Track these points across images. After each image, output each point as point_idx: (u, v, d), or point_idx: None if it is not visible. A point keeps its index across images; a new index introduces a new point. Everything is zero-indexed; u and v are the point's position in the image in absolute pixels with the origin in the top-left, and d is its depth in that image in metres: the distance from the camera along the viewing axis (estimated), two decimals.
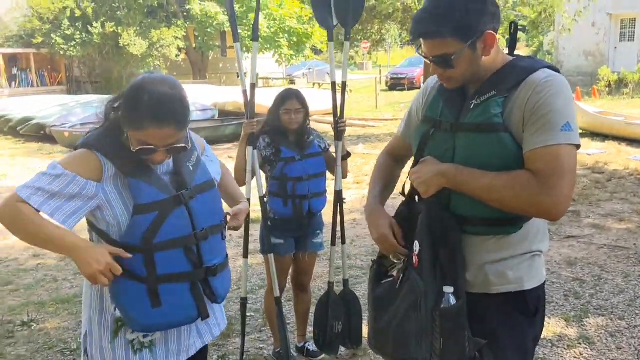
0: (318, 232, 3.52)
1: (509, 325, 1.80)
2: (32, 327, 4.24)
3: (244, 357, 3.53)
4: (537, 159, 1.64)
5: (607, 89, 19.27)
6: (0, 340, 4.05)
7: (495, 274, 1.79)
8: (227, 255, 2.02)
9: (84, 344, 1.93)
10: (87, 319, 1.93)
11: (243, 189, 3.25)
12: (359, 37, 20.17)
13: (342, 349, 3.60)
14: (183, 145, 1.79)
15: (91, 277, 1.70)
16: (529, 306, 1.83)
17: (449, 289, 1.73)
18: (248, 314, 3.99)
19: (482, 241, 1.80)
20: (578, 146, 1.67)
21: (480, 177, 1.69)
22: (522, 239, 1.80)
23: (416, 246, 1.80)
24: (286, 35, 24.73)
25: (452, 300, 1.72)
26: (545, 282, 1.90)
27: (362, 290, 4.55)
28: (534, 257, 1.83)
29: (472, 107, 1.76)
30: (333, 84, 3.40)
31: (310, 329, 3.71)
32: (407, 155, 2.16)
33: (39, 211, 1.72)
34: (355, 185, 8.68)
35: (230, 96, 15.93)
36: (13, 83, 24.48)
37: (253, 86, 3.22)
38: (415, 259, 1.79)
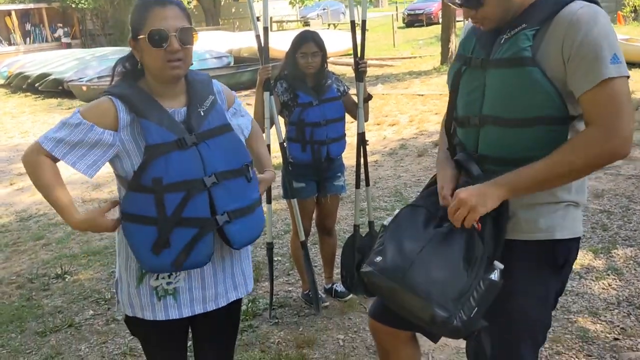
0: (339, 174, 3.51)
1: (533, 275, 1.74)
2: (66, 279, 4.36)
3: (274, 300, 3.60)
4: (593, 102, 1.56)
5: (633, 14, 18.61)
6: (37, 293, 4.17)
7: (525, 220, 1.73)
8: (254, 199, 1.96)
9: (115, 290, 1.99)
10: (117, 265, 1.98)
11: (263, 136, 3.25)
12: None
13: None
14: (190, 26, 1.81)
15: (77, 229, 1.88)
16: (556, 258, 1.75)
17: (499, 265, 1.66)
18: (275, 259, 4.04)
19: None
20: (627, 77, 1.57)
21: (537, 166, 1.60)
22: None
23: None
24: None
25: (498, 277, 1.65)
26: (580, 237, 1.80)
27: None
28: (569, 207, 1.75)
29: (502, 41, 1.68)
30: (352, 23, 3.31)
31: (337, 271, 3.75)
32: None
33: (57, 158, 1.81)
34: (375, 127, 8.61)
35: (245, 42, 15.75)
36: (27, 39, 24.42)
37: (266, 30, 3.14)
38: (478, 224, 1.68)
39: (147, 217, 1.78)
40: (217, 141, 1.86)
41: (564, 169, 1.60)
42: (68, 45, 21.63)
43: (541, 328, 1.82)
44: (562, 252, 1.75)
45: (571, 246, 1.78)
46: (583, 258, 3.91)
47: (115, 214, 1.89)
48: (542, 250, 1.73)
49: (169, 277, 1.89)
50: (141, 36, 1.76)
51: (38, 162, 1.81)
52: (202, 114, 1.87)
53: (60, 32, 24.35)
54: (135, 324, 1.99)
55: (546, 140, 1.63)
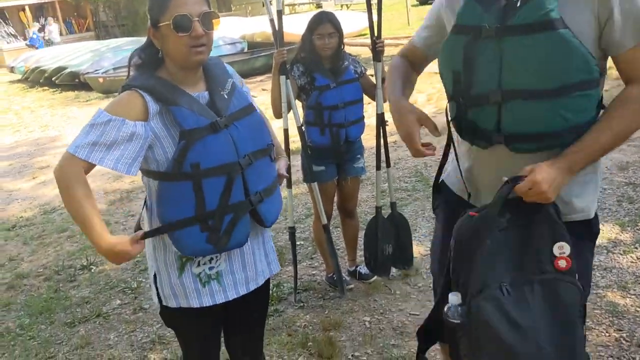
0: (358, 156, 3.48)
1: (577, 253, 1.61)
2: (92, 270, 4.40)
3: (298, 284, 3.60)
4: (635, 59, 1.51)
5: None
6: (64, 284, 4.22)
7: (559, 202, 1.61)
8: (275, 177, 2.01)
9: (155, 284, 1.97)
10: (152, 259, 1.96)
11: (281, 121, 3.23)
12: None
13: (393, 270, 3.64)
14: (213, 10, 1.80)
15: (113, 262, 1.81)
16: (593, 232, 1.71)
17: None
18: (297, 243, 4.04)
19: (544, 156, 1.59)
20: None
21: (602, 139, 1.52)
22: None
23: (560, 247, 1.57)
24: None
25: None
26: None
27: (408, 212, 4.55)
28: (593, 179, 1.69)
29: (518, 5, 1.53)
30: (368, 2, 3.26)
31: (360, 253, 3.74)
32: (424, 64, 1.99)
33: (94, 165, 1.72)
34: None
35: (258, 27, 15.68)
36: (42, 33, 24.55)
37: (280, 13, 3.11)
38: (566, 262, 1.56)
39: (185, 219, 1.78)
40: (245, 122, 1.88)
41: (627, 135, 1.54)
42: (48, 43, 21.04)
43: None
44: (595, 224, 1.73)
45: (597, 215, 1.76)
46: (610, 232, 3.86)
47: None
48: (580, 229, 1.67)
49: (210, 261, 1.90)
50: (163, 23, 1.74)
51: (72, 177, 1.70)
52: (226, 96, 1.88)
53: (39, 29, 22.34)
54: (177, 315, 1.98)
55: (582, 107, 1.53)
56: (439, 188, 2.00)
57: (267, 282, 2.14)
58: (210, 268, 1.91)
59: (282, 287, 3.74)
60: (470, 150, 1.81)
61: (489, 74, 1.59)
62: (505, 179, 1.59)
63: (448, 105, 1.79)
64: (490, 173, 1.74)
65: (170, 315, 2.01)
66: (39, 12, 24.83)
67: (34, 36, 21.37)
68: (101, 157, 1.70)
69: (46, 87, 15.50)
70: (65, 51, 16.86)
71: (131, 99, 1.77)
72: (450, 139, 1.85)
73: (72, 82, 14.46)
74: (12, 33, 23.78)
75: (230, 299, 1.95)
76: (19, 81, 17.60)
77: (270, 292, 3.59)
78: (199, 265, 1.90)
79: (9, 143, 9.76)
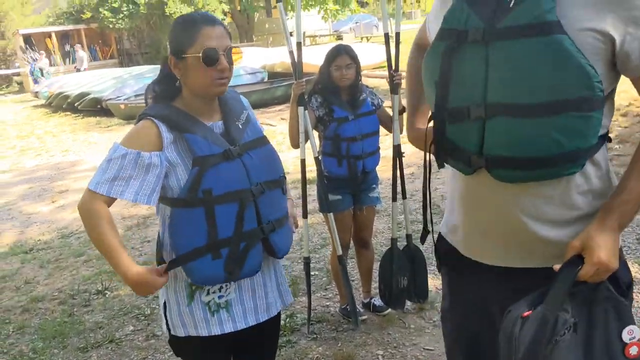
0: (374, 186, 3.48)
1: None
2: (107, 295, 4.41)
3: (312, 314, 3.58)
4: None
5: None
6: (78, 309, 4.23)
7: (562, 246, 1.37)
8: (287, 210, 2.03)
9: (164, 312, 1.97)
10: (163, 287, 1.96)
11: (298, 151, 3.25)
12: None
13: (408, 303, 3.60)
14: (236, 45, 1.85)
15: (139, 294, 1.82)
16: (620, 285, 1.41)
17: None
18: (312, 273, 4.02)
19: (534, 191, 1.36)
20: None
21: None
22: (589, 189, 1.38)
23: (630, 331, 1.33)
24: None
25: None
26: None
27: (425, 245, 4.50)
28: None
29: (511, 4, 1.30)
30: (386, 35, 3.29)
31: (375, 285, 3.71)
32: None
33: (114, 198, 1.77)
34: None
35: (278, 57, 15.86)
36: (67, 60, 25.10)
37: (299, 45, 3.15)
38: (637, 348, 1.34)
39: (197, 249, 1.79)
40: (258, 152, 1.91)
41: None
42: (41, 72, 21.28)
43: None
44: (624, 275, 1.47)
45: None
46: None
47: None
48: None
49: (220, 290, 1.90)
50: (190, 55, 1.78)
51: (95, 213, 1.75)
52: (241, 127, 1.91)
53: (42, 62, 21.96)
54: (185, 344, 1.97)
55: (578, 130, 1.27)
56: (439, 242, 1.74)
57: (279, 312, 2.13)
58: (220, 297, 1.91)
59: (295, 317, 3.71)
60: (455, 180, 1.56)
61: (473, 83, 1.36)
62: (557, 267, 1.34)
63: (428, 126, 1.57)
64: (477, 211, 1.50)
65: (179, 344, 2.00)
66: (64, 39, 25.41)
67: (31, 67, 21.83)
68: (121, 190, 1.75)
69: (69, 112, 15.77)
70: (88, 77, 17.20)
71: (145, 130, 1.81)
72: (425, 185, 1.71)
73: (95, 107, 14.71)
74: (38, 59, 24.31)
75: (239, 328, 1.94)
76: (42, 106, 17.93)
77: (283, 322, 3.58)
78: (208, 293, 1.90)
79: (30, 166, 9.90)
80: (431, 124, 1.53)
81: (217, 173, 1.78)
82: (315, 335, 3.50)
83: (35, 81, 21.05)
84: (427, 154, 1.62)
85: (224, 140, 1.85)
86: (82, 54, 21.73)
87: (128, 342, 3.67)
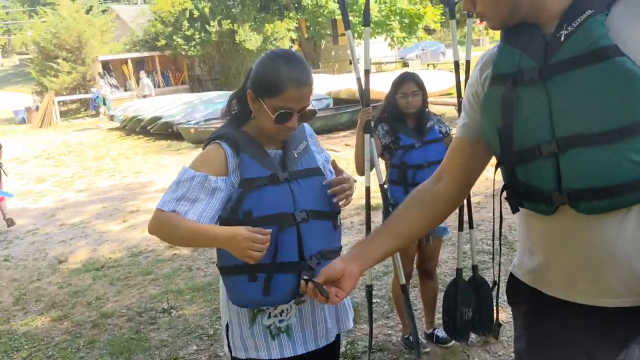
0: None
1: None
2: (172, 314, 4.51)
3: (373, 343, 3.54)
4: None
5: None
6: (145, 326, 4.35)
7: None
8: (338, 247, 2.00)
9: (226, 333, 2.01)
10: (226, 309, 2.01)
11: (363, 178, 3.25)
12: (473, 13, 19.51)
13: (472, 336, 3.51)
14: (314, 109, 1.89)
15: (243, 258, 1.74)
16: None
17: None
18: (374, 301, 3.98)
19: (623, 219, 1.29)
20: None
21: None
22: None
23: None
24: (398, 17, 24.41)
25: None
26: None
27: (490, 276, 4.40)
28: None
29: (562, 39, 1.29)
30: (456, 63, 3.28)
31: (438, 315, 3.65)
32: (481, 156, 1.63)
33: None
34: None
35: (344, 84, 16.03)
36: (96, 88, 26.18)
37: (367, 72, 3.17)
38: None
39: (238, 266, 1.82)
40: (309, 181, 1.92)
41: None
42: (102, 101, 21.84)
43: None
44: None
45: None
46: None
47: None
48: None
49: (281, 314, 1.92)
50: (266, 104, 1.82)
51: (164, 221, 1.79)
52: (296, 155, 1.94)
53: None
54: None
55: None
56: (511, 282, 1.65)
57: (338, 338, 2.12)
58: (281, 321, 1.92)
59: (356, 345, 3.68)
60: (531, 222, 1.50)
61: (538, 121, 1.34)
62: None
63: (498, 170, 1.53)
64: (563, 249, 1.42)
65: None
66: (139, 65, 26.52)
67: (94, 96, 22.65)
68: (186, 210, 1.78)
69: (141, 136, 16.37)
70: (161, 102, 17.86)
71: (213, 155, 1.86)
72: (500, 217, 1.63)
73: (166, 131, 15.21)
74: (114, 84, 25.46)
75: (299, 353, 1.94)
76: (117, 129, 18.70)
77: (344, 349, 3.56)
78: (269, 317, 1.92)
79: (104, 187, 10.31)
80: (498, 170, 1.52)
81: (259, 195, 1.81)
82: None
83: (94, 108, 21.93)
84: (498, 203, 1.58)
85: (276, 165, 1.89)
86: (146, 80, 22.51)
87: None
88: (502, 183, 1.52)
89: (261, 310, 1.92)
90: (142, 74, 22.93)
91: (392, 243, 1.64)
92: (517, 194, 1.45)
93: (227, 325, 2.01)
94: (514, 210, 1.48)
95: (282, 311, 1.92)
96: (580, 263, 1.38)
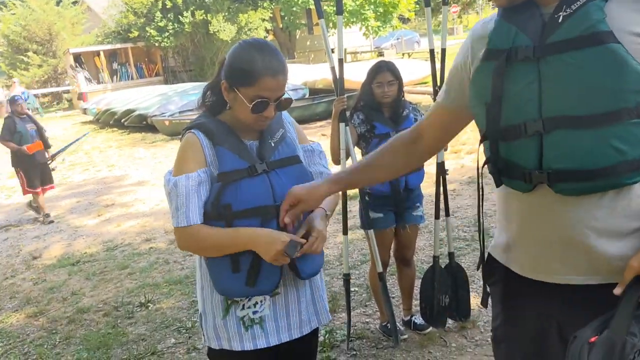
0: (417, 204, 3.45)
1: None
2: (149, 308, 4.48)
3: (351, 331, 3.56)
4: None
5: None
6: (122, 320, 4.31)
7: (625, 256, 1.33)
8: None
9: (201, 324, 2.02)
10: (200, 299, 2.01)
11: (338, 167, 3.25)
12: (448, 0, 19.63)
13: (449, 321, 3.54)
14: (290, 97, 1.88)
15: (273, 261, 1.77)
16: None
17: None
18: (352, 289, 4.00)
19: (597, 203, 1.34)
20: None
21: None
22: None
23: None
24: (372, 6, 24.39)
25: None
26: None
27: (467, 263, 4.45)
28: None
29: (560, 20, 1.31)
30: (431, 51, 3.28)
31: (416, 302, 3.67)
32: (459, 123, 1.69)
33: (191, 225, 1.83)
34: (452, 155, 8.48)
35: (320, 74, 15.98)
36: (114, 77, 25.81)
37: (341, 62, 3.17)
38: None
39: (224, 256, 1.83)
40: (287, 171, 1.91)
41: None
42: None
43: None
44: None
45: None
46: None
47: None
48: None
49: (255, 306, 1.91)
50: (242, 94, 1.81)
51: (188, 237, 1.83)
52: (273, 144, 1.93)
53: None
54: (220, 357, 2.00)
55: (638, 137, 1.27)
56: (488, 263, 1.70)
57: (316, 330, 2.11)
58: (254, 312, 1.92)
59: (335, 334, 3.70)
60: (509, 199, 1.53)
61: (527, 100, 1.37)
62: (617, 291, 1.31)
63: (480, 146, 1.55)
64: (537, 227, 1.46)
65: (215, 356, 2.03)
66: (112, 57, 26.14)
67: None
68: (186, 217, 1.81)
69: (115, 129, 16.18)
70: (134, 94, 17.64)
71: (190, 151, 1.86)
72: (479, 210, 1.65)
73: (140, 124, 15.05)
74: (87, 77, 25.07)
75: (272, 344, 1.94)
76: (90, 122, 18.45)
77: (323, 338, 3.57)
78: (243, 308, 1.91)
79: (78, 181, 10.18)
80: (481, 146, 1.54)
81: (237, 189, 1.81)
82: (354, 352, 3.47)
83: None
84: (479, 177, 1.60)
85: (254, 156, 1.87)
86: (81, 75, 21.73)
87: (170, 355, 3.71)
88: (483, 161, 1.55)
89: (235, 302, 1.91)
90: (76, 70, 22.08)
91: (362, 179, 1.90)
92: (497, 169, 1.48)
93: (200, 315, 2.02)
94: (498, 184, 1.51)
95: (256, 302, 1.91)
96: (552, 241, 1.42)
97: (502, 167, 1.46)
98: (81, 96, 21.84)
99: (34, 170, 7.55)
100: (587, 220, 1.35)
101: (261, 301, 1.92)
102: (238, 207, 1.80)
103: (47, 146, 7.81)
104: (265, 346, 1.93)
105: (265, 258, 1.77)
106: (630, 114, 1.25)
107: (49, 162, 7.87)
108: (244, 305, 1.91)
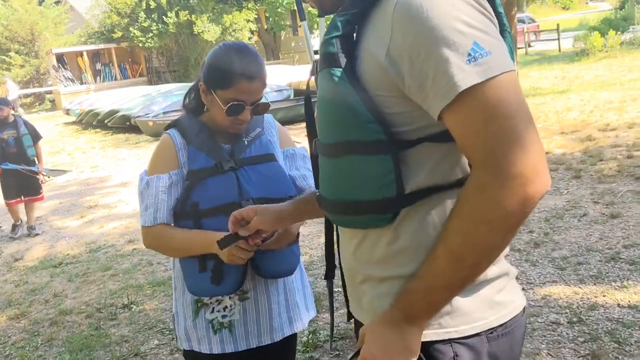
0: None
1: None
2: (132, 309, 4.47)
3: (335, 331, 3.57)
4: (455, 130, 1.01)
5: None
6: (105, 322, 4.29)
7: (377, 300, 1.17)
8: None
9: (173, 323, 2.04)
10: (174, 299, 2.03)
11: None
12: None
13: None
14: (267, 102, 1.88)
15: (230, 261, 1.75)
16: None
17: None
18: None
19: (361, 242, 1.20)
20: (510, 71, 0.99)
21: (431, 259, 1.05)
22: (400, 247, 1.13)
23: None
24: None
25: None
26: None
27: None
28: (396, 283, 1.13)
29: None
30: None
31: None
32: None
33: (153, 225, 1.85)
34: None
35: (304, 75, 15.98)
36: (98, 78, 25.63)
37: None
38: None
39: (192, 255, 1.85)
40: (258, 168, 1.89)
41: (474, 252, 1.02)
42: None
43: None
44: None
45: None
46: None
47: None
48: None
49: (224, 310, 1.91)
50: (218, 97, 1.81)
51: (155, 235, 1.86)
52: (246, 143, 1.92)
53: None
54: (192, 358, 2.01)
55: (365, 175, 1.10)
56: None
57: (294, 337, 2.09)
58: (224, 316, 1.92)
59: (318, 334, 3.71)
60: None
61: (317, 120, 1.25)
62: (349, 357, 1.20)
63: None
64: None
65: (187, 357, 2.05)
66: (95, 57, 25.97)
67: None
68: (154, 217, 1.83)
69: (99, 129, 16.07)
70: (118, 95, 17.53)
71: (164, 152, 1.89)
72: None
73: (124, 124, 14.96)
74: (70, 77, 24.88)
75: (240, 349, 1.93)
76: (73, 123, 18.31)
77: (306, 339, 3.58)
78: (213, 311, 1.91)
79: (60, 182, 10.10)
80: None
81: (204, 186, 1.82)
82: (338, 352, 3.49)
83: None
84: None
85: (224, 154, 1.87)
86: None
87: (153, 356, 3.70)
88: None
89: (204, 304, 1.91)
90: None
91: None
92: None
93: (173, 315, 2.04)
94: None
95: (226, 307, 1.91)
96: (345, 273, 1.31)
97: None
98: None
99: (9, 179, 6.86)
100: (356, 257, 1.22)
101: (231, 305, 1.91)
102: (205, 205, 1.81)
103: (29, 158, 6.94)
104: (233, 351, 1.92)
105: (223, 258, 1.75)
106: (353, 149, 1.11)
107: (38, 175, 7.04)
108: (213, 308, 1.92)
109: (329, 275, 1.57)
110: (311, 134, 1.41)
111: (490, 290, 1.14)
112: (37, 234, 7.03)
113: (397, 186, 1.08)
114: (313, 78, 1.47)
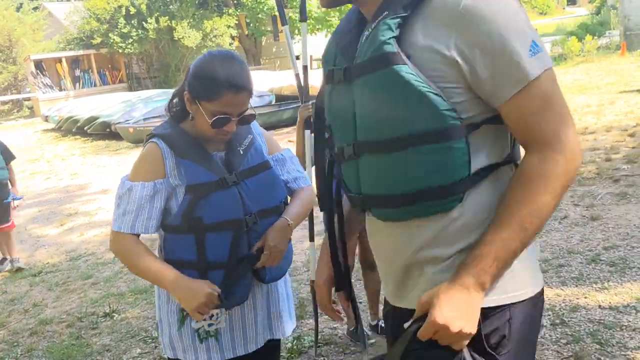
0: None
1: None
2: (114, 318, 4.41)
3: (319, 337, 3.56)
4: (520, 114, 1.17)
5: None
6: (86, 331, 4.23)
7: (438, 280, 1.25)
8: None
9: (157, 331, 2.03)
10: (157, 307, 2.01)
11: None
12: None
13: None
14: (253, 113, 1.86)
15: (192, 313, 1.78)
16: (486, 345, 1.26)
17: None
18: None
19: (418, 229, 1.27)
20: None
21: (496, 229, 1.18)
22: (464, 223, 1.24)
23: None
24: (337, 13, 24.49)
25: None
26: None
27: None
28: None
29: (364, 39, 1.25)
30: None
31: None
32: None
33: (132, 233, 1.84)
34: None
35: (286, 80, 15.99)
36: (77, 84, 25.39)
37: (305, 68, 3.18)
38: None
39: (187, 262, 1.83)
40: (256, 180, 1.90)
41: (539, 220, 1.18)
42: None
43: None
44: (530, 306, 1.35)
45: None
46: (638, 291, 3.77)
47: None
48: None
49: (210, 318, 1.90)
50: (203, 108, 1.78)
51: (125, 245, 1.84)
52: (242, 152, 1.91)
53: None
54: None
55: (438, 164, 1.20)
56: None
57: (276, 344, 2.11)
58: (210, 325, 1.91)
59: (302, 340, 3.70)
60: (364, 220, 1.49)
61: (345, 123, 1.32)
62: (406, 325, 1.25)
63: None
64: (376, 252, 1.43)
65: None
66: (74, 64, 25.72)
67: None
68: (131, 224, 1.81)
69: (78, 136, 15.91)
70: (98, 102, 17.39)
71: (150, 159, 1.85)
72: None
73: (104, 131, 14.85)
74: (48, 84, 24.61)
75: (227, 358, 1.93)
76: (52, 130, 18.11)
77: (291, 344, 3.56)
78: (198, 320, 1.90)
79: (40, 190, 9.97)
80: None
81: (209, 202, 1.80)
82: (322, 358, 3.48)
83: None
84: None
85: (222, 167, 1.85)
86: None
87: None
88: None
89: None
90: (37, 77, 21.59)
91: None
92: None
93: (157, 324, 2.02)
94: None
95: (212, 315, 1.90)
96: (388, 267, 1.39)
97: (344, 188, 1.43)
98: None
99: None
100: (414, 246, 1.29)
101: (217, 314, 1.90)
102: (209, 220, 1.80)
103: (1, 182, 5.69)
104: (220, 359, 1.93)
105: (187, 309, 1.78)
106: (420, 140, 1.18)
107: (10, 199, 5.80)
108: None
109: (340, 284, 1.71)
110: (321, 141, 1.51)
111: (533, 259, 1.32)
112: (20, 268, 5.89)
113: (469, 167, 1.20)
114: (295, 83, 1.53)
